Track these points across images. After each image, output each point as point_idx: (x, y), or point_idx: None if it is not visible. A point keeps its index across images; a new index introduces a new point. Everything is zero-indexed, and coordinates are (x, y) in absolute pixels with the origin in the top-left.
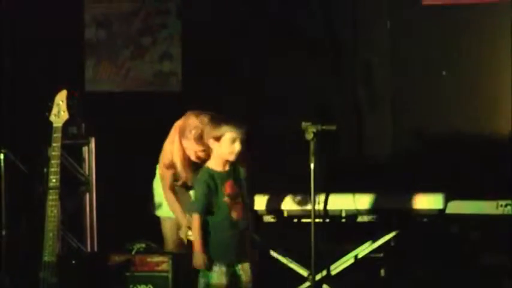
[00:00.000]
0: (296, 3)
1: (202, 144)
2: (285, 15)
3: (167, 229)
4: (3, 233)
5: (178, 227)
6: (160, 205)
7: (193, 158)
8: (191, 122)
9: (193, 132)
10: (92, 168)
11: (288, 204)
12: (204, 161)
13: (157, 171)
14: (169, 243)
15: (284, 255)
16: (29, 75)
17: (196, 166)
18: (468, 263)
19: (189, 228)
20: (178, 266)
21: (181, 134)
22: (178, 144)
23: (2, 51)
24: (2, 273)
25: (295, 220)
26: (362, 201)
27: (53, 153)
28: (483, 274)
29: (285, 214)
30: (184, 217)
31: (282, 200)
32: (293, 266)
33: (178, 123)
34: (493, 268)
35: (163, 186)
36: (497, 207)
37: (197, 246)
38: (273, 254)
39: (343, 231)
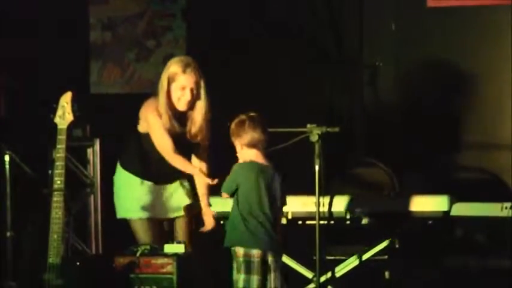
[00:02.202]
0: (301, 6)
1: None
2: (289, 18)
3: (140, 230)
4: (8, 234)
5: (151, 226)
6: (128, 207)
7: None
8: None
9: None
10: (96, 170)
11: (293, 206)
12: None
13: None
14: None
15: (289, 257)
16: (34, 77)
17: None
18: (472, 264)
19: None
20: (183, 267)
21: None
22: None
23: (6, 51)
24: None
25: (300, 222)
26: (367, 204)
27: (58, 155)
28: (487, 275)
29: (290, 216)
30: (203, 174)
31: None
32: (298, 267)
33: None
34: (498, 270)
35: (168, 152)
36: (501, 209)
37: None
38: None
39: (348, 233)
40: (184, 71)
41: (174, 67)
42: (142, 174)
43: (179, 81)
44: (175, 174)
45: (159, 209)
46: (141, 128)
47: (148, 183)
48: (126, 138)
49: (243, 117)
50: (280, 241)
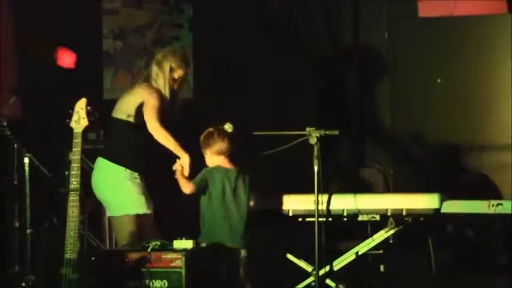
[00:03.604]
0: (303, 17)
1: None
2: (290, 28)
3: (127, 225)
4: (28, 231)
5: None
6: (130, 203)
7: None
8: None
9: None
10: None
11: (293, 204)
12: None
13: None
14: (126, 238)
15: (289, 252)
16: (51, 85)
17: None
18: (463, 259)
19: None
20: (191, 262)
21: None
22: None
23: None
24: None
25: (300, 219)
26: (363, 201)
27: (74, 157)
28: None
29: (290, 213)
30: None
31: (287, 200)
32: (298, 261)
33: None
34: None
35: (153, 123)
36: (489, 207)
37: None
38: (280, 250)
39: (345, 229)
40: (181, 66)
41: (175, 61)
42: (138, 169)
43: (177, 73)
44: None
45: (148, 204)
46: (135, 118)
47: (139, 178)
48: (117, 133)
49: (211, 129)
50: (246, 235)
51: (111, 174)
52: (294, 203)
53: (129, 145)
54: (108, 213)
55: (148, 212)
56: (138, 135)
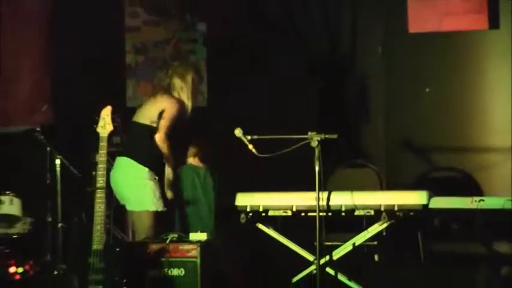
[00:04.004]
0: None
1: None
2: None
3: (147, 220)
4: (60, 225)
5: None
6: (150, 200)
7: None
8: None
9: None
10: None
11: (297, 201)
12: None
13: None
14: (146, 232)
15: (293, 243)
16: (80, 94)
17: None
18: (447, 251)
19: None
20: (205, 252)
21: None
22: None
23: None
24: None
25: (303, 214)
26: (359, 198)
27: (100, 158)
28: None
29: (294, 209)
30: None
31: (291, 196)
32: (301, 252)
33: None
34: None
35: (163, 136)
36: (472, 202)
37: None
38: (282, 239)
39: (343, 223)
40: (199, 78)
41: (193, 75)
42: (156, 170)
43: (196, 85)
44: None
45: (162, 202)
46: (158, 124)
47: (157, 179)
48: (141, 136)
49: None
50: (215, 226)
51: (133, 173)
52: (297, 200)
53: (151, 148)
54: (128, 207)
55: (163, 210)
56: (151, 135)
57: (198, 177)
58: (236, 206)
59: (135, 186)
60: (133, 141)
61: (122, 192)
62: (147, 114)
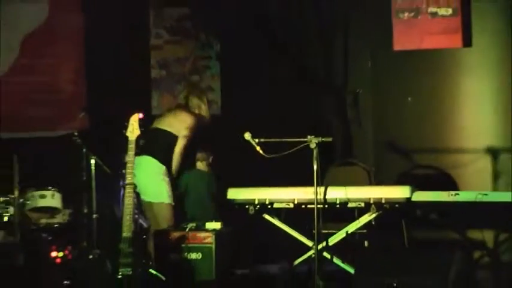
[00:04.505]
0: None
1: None
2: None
3: (166, 211)
4: (94, 216)
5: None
6: (169, 194)
7: None
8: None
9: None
10: None
11: (298, 195)
12: None
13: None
14: (167, 222)
15: (294, 229)
16: (111, 104)
17: None
18: (427, 237)
19: None
20: (219, 239)
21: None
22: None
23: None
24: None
25: (303, 206)
26: (351, 192)
27: (129, 158)
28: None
29: (296, 202)
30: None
31: (293, 191)
32: (302, 238)
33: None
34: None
35: (181, 147)
36: (448, 196)
37: None
38: (285, 228)
39: (338, 214)
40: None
41: (206, 95)
42: (171, 170)
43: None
44: None
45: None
46: (179, 132)
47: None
48: (163, 142)
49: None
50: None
51: (154, 169)
52: (298, 194)
53: (170, 151)
54: (146, 199)
55: (173, 203)
56: (172, 141)
57: (202, 181)
58: (245, 200)
59: (155, 181)
60: (156, 143)
61: (143, 186)
62: (171, 124)
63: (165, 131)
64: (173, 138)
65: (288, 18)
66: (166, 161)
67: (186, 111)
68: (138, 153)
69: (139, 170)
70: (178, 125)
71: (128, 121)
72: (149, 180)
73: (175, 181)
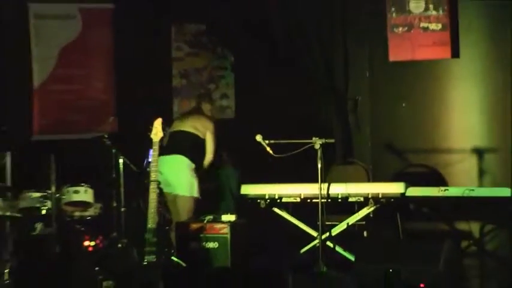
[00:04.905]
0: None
1: None
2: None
3: (192, 204)
4: (122, 209)
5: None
6: (186, 187)
7: None
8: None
9: None
10: None
11: (304, 190)
12: None
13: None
14: (189, 214)
15: (301, 221)
16: (137, 109)
17: None
18: (420, 229)
19: None
20: (234, 230)
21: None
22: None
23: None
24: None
25: (308, 200)
26: (351, 188)
27: (153, 158)
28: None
29: (302, 196)
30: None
31: (299, 187)
32: (307, 229)
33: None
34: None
35: (214, 148)
36: (438, 192)
37: None
38: (293, 220)
39: (339, 207)
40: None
41: (213, 102)
42: (205, 166)
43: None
44: None
45: None
46: (202, 135)
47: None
48: (190, 142)
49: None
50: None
51: (185, 166)
52: (304, 189)
53: (197, 150)
54: (176, 192)
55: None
56: (202, 144)
57: (227, 177)
58: (257, 195)
59: (186, 177)
60: (184, 143)
61: (175, 181)
62: (196, 127)
63: (190, 133)
64: (198, 139)
65: (295, 36)
66: (193, 159)
67: (204, 116)
68: (168, 152)
69: (171, 167)
70: (202, 128)
71: (152, 125)
72: (180, 176)
73: (205, 176)
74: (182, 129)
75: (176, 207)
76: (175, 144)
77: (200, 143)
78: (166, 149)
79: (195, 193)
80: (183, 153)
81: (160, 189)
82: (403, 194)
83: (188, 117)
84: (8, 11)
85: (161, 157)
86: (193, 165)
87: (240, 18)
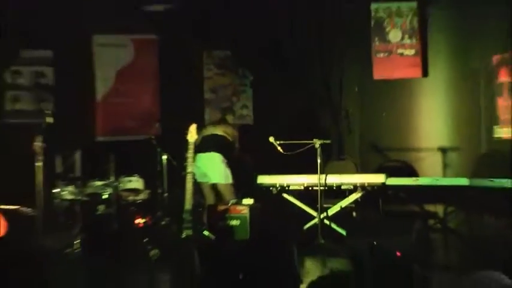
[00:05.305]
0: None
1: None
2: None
3: (231, 188)
4: (165, 195)
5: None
6: (225, 177)
7: None
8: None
9: None
10: None
11: (307, 180)
12: None
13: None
14: (231, 195)
15: (304, 204)
16: (177, 117)
17: None
18: (396, 210)
19: None
20: (251, 211)
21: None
22: None
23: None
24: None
25: (310, 188)
26: (344, 178)
27: (189, 155)
28: (404, 216)
29: (305, 185)
30: None
31: (303, 177)
32: (310, 210)
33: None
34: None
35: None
36: (412, 181)
37: None
38: (298, 203)
39: (335, 193)
40: None
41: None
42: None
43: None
44: None
45: None
46: (230, 138)
47: None
48: (222, 143)
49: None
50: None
51: (220, 161)
52: (308, 179)
53: (228, 149)
54: (211, 181)
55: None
56: (230, 144)
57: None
58: (270, 184)
59: (222, 169)
60: (218, 144)
61: (213, 172)
62: (226, 132)
63: (222, 136)
64: (227, 141)
65: (301, 61)
66: (225, 155)
67: (228, 124)
68: (205, 150)
69: (207, 162)
70: (230, 132)
71: (187, 129)
72: (216, 168)
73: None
74: (215, 132)
75: (216, 192)
76: (210, 144)
77: (228, 143)
78: (203, 147)
79: (230, 180)
80: (217, 150)
81: (195, 180)
82: (383, 183)
83: (219, 124)
84: (76, 40)
85: (199, 154)
86: (225, 160)
87: (257, 46)
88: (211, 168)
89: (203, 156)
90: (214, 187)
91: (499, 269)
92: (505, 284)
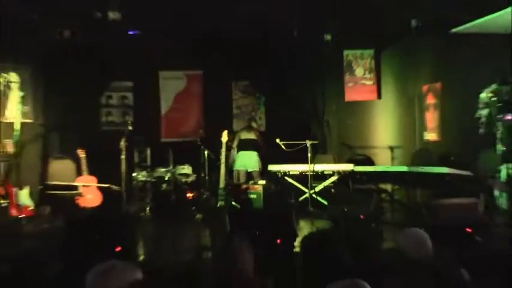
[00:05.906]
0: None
1: None
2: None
3: (259, 173)
4: (206, 178)
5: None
6: (259, 166)
7: None
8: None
9: None
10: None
11: (301, 168)
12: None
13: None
14: (259, 178)
15: (299, 183)
16: (215, 126)
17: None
18: (360, 188)
19: None
20: (264, 188)
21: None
22: None
23: (208, 118)
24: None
25: (304, 173)
26: (326, 167)
27: (222, 151)
28: (365, 192)
29: (300, 171)
30: None
31: (299, 166)
32: (302, 187)
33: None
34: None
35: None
36: (371, 168)
37: None
38: (295, 183)
39: (320, 177)
40: None
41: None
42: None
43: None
44: None
45: None
46: (259, 140)
47: None
48: (254, 144)
49: None
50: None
51: (255, 156)
52: (302, 167)
53: (258, 147)
54: (249, 170)
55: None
56: (259, 145)
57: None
58: (276, 170)
59: (257, 161)
60: (252, 145)
61: (251, 163)
62: (256, 135)
63: (253, 139)
64: (257, 142)
65: (299, 87)
66: (257, 152)
67: (256, 130)
68: (245, 149)
69: (247, 157)
70: (259, 136)
71: (221, 134)
72: (253, 161)
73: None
74: (250, 137)
75: (248, 176)
76: (249, 145)
77: (259, 144)
78: (243, 147)
79: (260, 168)
80: (253, 149)
81: (229, 167)
82: (352, 170)
83: (252, 130)
84: (148, 74)
85: (241, 152)
86: (258, 155)
87: (269, 78)
88: (250, 161)
89: (245, 154)
90: (248, 173)
91: (420, 227)
92: (422, 236)
